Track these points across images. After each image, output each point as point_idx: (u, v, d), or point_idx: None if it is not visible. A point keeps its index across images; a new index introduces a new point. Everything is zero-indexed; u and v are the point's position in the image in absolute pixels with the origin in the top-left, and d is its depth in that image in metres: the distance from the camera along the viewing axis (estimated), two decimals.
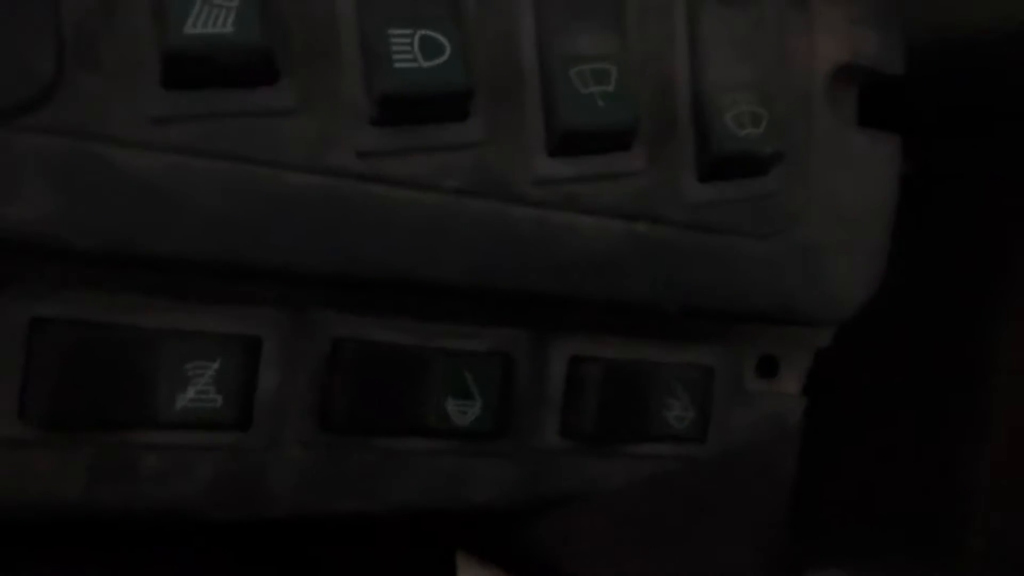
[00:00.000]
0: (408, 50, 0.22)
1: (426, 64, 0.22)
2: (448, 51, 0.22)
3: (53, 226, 0.20)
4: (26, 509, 0.22)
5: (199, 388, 0.23)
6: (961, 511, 0.32)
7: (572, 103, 0.23)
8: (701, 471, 0.29)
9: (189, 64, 0.20)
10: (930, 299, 0.34)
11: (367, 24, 0.22)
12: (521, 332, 0.26)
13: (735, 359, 0.30)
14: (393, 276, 0.23)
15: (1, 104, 0.19)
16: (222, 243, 0.21)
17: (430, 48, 0.22)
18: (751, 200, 0.26)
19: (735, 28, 0.26)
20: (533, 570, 0.30)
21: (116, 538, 0.25)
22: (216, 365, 0.23)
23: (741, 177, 0.26)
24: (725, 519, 0.30)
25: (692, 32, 0.25)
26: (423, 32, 0.22)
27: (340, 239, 0.22)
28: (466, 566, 0.31)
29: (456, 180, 0.23)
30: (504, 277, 0.24)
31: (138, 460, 0.22)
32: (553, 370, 0.27)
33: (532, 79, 0.23)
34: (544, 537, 0.28)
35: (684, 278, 0.26)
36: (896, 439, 0.34)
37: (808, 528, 0.33)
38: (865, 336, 0.33)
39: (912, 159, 0.30)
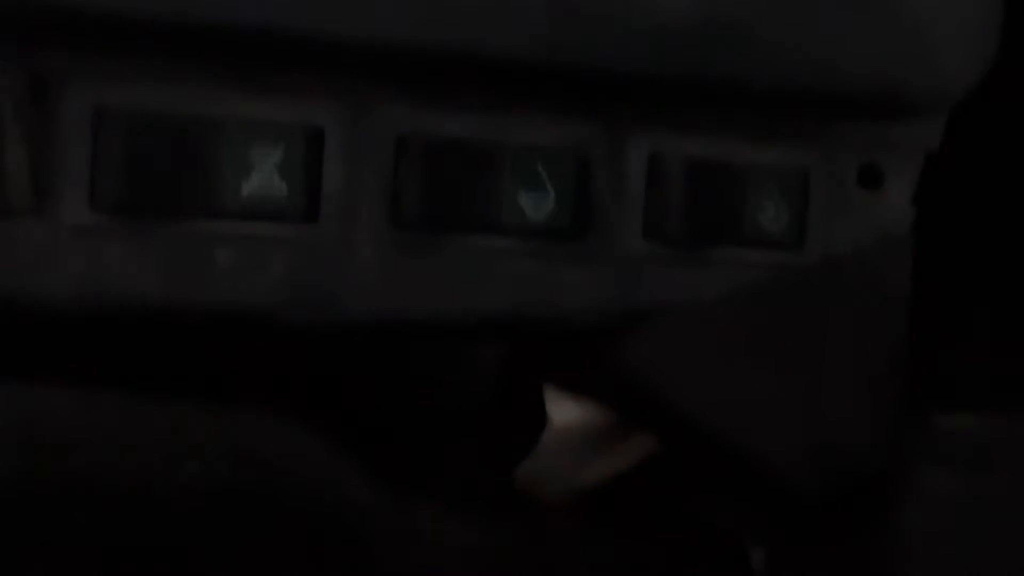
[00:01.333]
0: None
1: None
2: None
3: None
4: (103, 301, 0.22)
5: (263, 175, 0.22)
6: None
7: None
8: (804, 280, 0.27)
9: None
10: None
11: None
12: (595, 126, 0.25)
13: (833, 162, 0.28)
14: (458, 51, 0.22)
15: None
16: (279, 12, 0.21)
17: None
18: None
19: None
20: (624, 397, 0.29)
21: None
22: (279, 152, 0.22)
23: None
24: (835, 335, 0.28)
25: None
26: None
27: (395, 9, 0.21)
28: (555, 400, 0.30)
29: None
30: (568, 53, 0.23)
31: (210, 252, 0.22)
32: (632, 167, 0.25)
33: None
34: (634, 358, 0.27)
35: (765, 54, 0.24)
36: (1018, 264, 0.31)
37: (931, 360, 0.30)
38: (979, 140, 0.30)
39: None
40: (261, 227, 0.23)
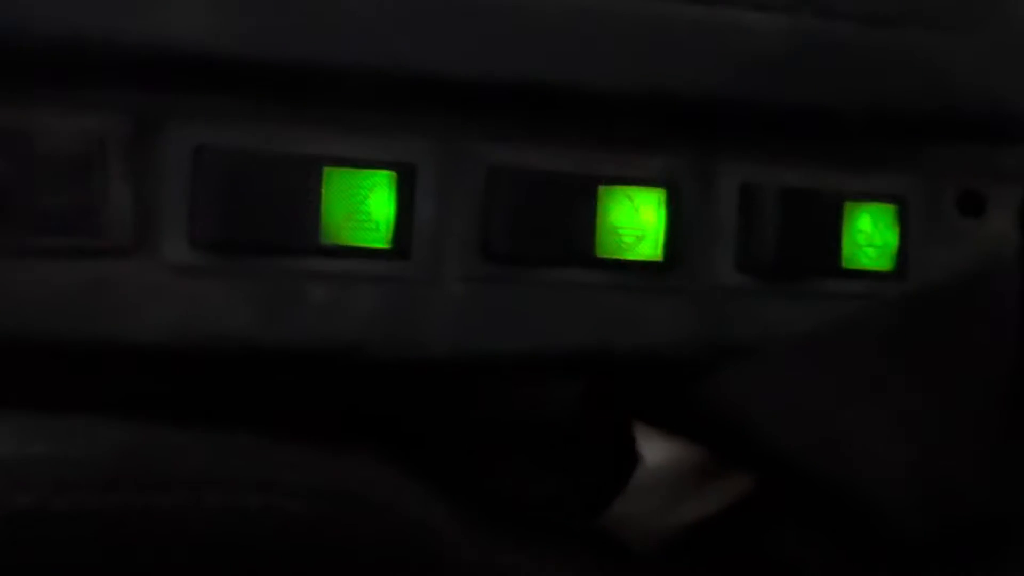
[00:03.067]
0: None
1: None
2: None
3: (212, 37, 0.20)
4: (197, 340, 0.22)
5: (356, 212, 0.22)
6: None
7: None
8: (905, 309, 0.26)
9: None
10: None
11: None
12: (686, 157, 0.25)
13: (933, 190, 0.27)
14: (542, 82, 0.22)
15: None
16: (370, 50, 0.21)
17: None
18: None
19: None
20: (718, 434, 0.28)
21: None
22: (372, 189, 0.22)
23: None
24: (938, 368, 0.27)
25: None
26: None
27: (487, 42, 0.21)
28: (646, 438, 0.29)
29: None
30: (660, 81, 0.23)
31: (303, 288, 0.23)
32: (723, 198, 0.25)
33: None
34: (729, 393, 0.26)
35: (863, 78, 0.24)
36: None
37: None
38: None
39: None
40: (354, 263, 0.23)
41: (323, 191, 0.22)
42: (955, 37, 0.24)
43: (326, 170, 0.22)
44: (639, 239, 0.24)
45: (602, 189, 0.24)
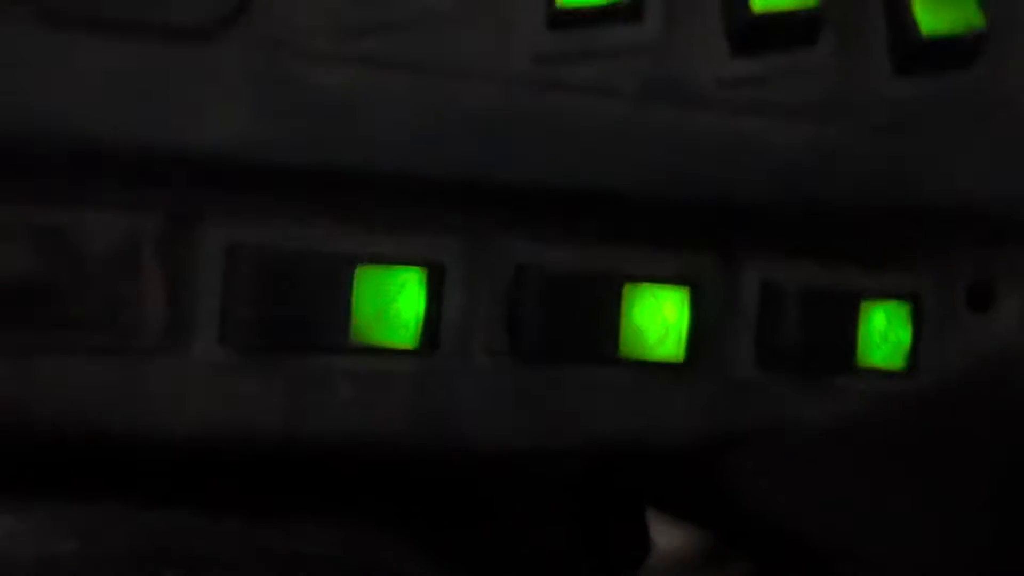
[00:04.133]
0: None
1: None
2: None
3: (252, 143, 0.20)
4: (227, 437, 0.22)
5: (386, 309, 0.23)
6: None
7: None
8: (918, 408, 0.27)
9: None
10: None
11: None
12: (708, 255, 0.25)
13: (944, 287, 0.27)
14: (572, 188, 0.22)
15: (200, 21, 0.19)
16: (407, 156, 0.21)
17: None
18: (957, 93, 0.24)
19: None
20: (730, 519, 0.28)
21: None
22: (402, 286, 0.23)
23: (942, 68, 0.24)
24: (951, 465, 0.27)
25: None
26: None
27: (520, 149, 0.22)
28: (659, 524, 0.29)
29: (635, 84, 0.22)
30: (688, 188, 0.23)
31: (334, 385, 0.23)
32: (745, 296, 0.25)
33: None
34: (741, 481, 0.27)
35: (885, 183, 0.24)
36: None
37: None
38: None
39: None
40: (382, 360, 0.23)
41: (354, 289, 0.22)
42: (967, 137, 0.24)
43: (357, 269, 0.22)
44: (662, 338, 0.24)
45: (627, 287, 0.24)
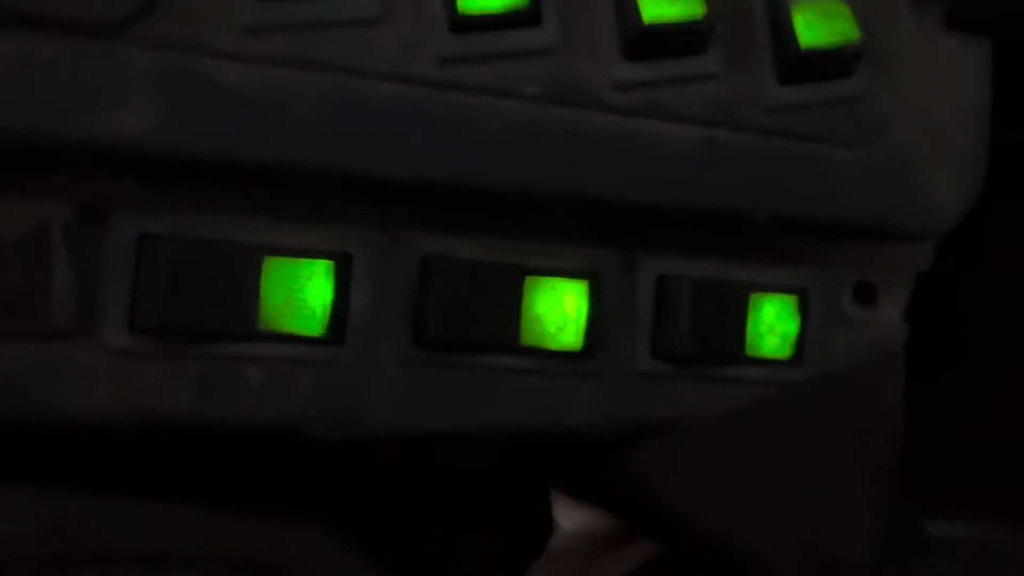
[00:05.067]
0: None
1: None
2: None
3: (156, 135, 0.21)
4: (137, 420, 0.23)
5: (293, 299, 0.23)
6: None
7: (644, 4, 0.23)
8: (803, 395, 0.28)
9: None
10: None
11: None
12: (608, 251, 0.26)
13: (830, 282, 0.29)
14: (475, 185, 0.23)
15: (108, 17, 0.20)
16: (312, 151, 0.22)
17: None
18: (835, 104, 0.26)
19: None
20: (631, 505, 0.30)
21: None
22: (309, 277, 0.23)
23: (822, 79, 0.25)
24: (832, 447, 0.29)
25: None
26: None
27: (424, 147, 0.23)
28: (562, 506, 0.30)
29: (535, 86, 0.23)
30: (586, 185, 0.24)
31: (241, 373, 0.23)
32: (641, 289, 0.27)
33: None
34: (641, 470, 0.28)
35: (769, 186, 0.26)
36: (1013, 376, 0.33)
37: (927, 475, 0.31)
38: (969, 262, 0.31)
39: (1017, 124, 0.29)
40: (290, 349, 0.24)
41: (262, 279, 0.23)
42: (843, 151, 0.26)
43: (266, 259, 0.23)
44: (561, 328, 0.26)
45: (528, 280, 0.25)
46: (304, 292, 0.24)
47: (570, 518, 0.30)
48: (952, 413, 0.32)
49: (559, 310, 0.26)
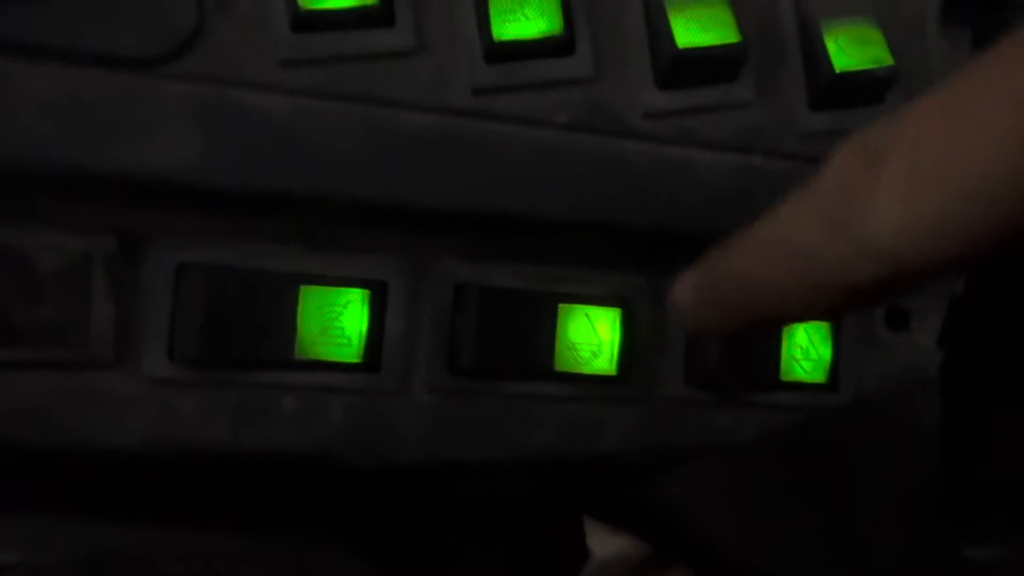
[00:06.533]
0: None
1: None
2: None
3: (194, 168, 0.21)
4: (173, 449, 0.23)
5: (330, 327, 0.24)
6: None
7: (678, 31, 0.23)
8: (836, 421, 0.28)
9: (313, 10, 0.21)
10: None
11: None
12: (639, 278, 0.26)
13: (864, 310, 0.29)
14: (508, 212, 0.23)
15: (148, 54, 0.20)
16: (347, 181, 0.22)
17: None
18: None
19: None
20: (663, 531, 0.30)
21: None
22: (345, 305, 0.24)
23: (855, 105, 0.25)
24: (866, 472, 0.29)
25: None
26: None
27: (457, 176, 0.23)
28: (595, 533, 0.30)
29: (566, 115, 0.23)
30: (617, 213, 0.24)
31: (278, 401, 0.23)
32: (672, 317, 0.27)
33: (634, 9, 0.24)
34: (674, 495, 0.28)
35: None
36: None
37: (962, 499, 0.31)
38: (1000, 285, 0.31)
39: None
40: (326, 376, 0.24)
41: (299, 307, 0.23)
42: None
43: (302, 288, 0.23)
44: (595, 355, 0.26)
45: (562, 307, 0.25)
46: (340, 320, 0.24)
47: (603, 545, 0.30)
48: (986, 436, 0.32)
49: (593, 336, 0.26)
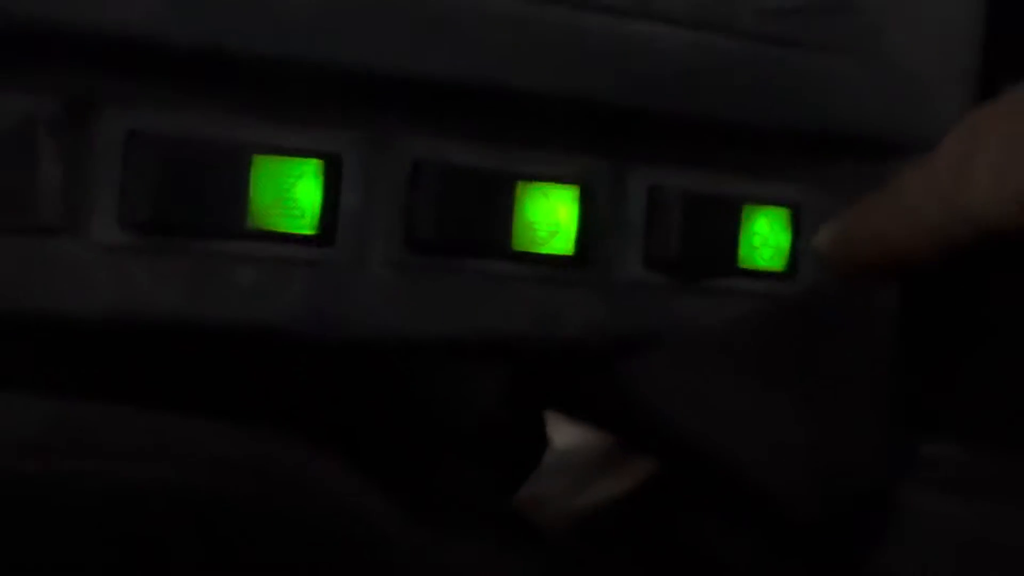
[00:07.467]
0: None
1: None
2: None
3: (152, 25, 0.21)
4: (128, 316, 0.23)
5: (284, 199, 0.23)
6: None
7: None
8: (794, 307, 0.28)
9: None
10: None
11: None
12: (599, 160, 0.26)
13: (823, 197, 0.29)
14: (464, 81, 0.23)
15: None
16: (301, 44, 0.22)
17: None
18: (827, 8, 0.25)
19: None
20: (624, 421, 0.30)
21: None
22: (299, 177, 0.23)
23: None
24: (824, 359, 0.29)
25: None
26: None
27: (413, 41, 0.23)
28: (557, 424, 0.30)
29: None
30: (573, 86, 0.24)
31: (231, 271, 0.23)
32: (632, 199, 0.27)
33: None
34: (634, 382, 0.28)
35: (759, 92, 0.26)
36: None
37: (918, 387, 0.31)
38: None
39: None
40: (280, 248, 0.24)
41: (251, 178, 0.23)
42: (842, 62, 0.26)
43: (255, 157, 0.23)
44: (553, 234, 0.26)
45: (520, 185, 0.25)
46: (293, 191, 0.24)
47: (564, 436, 0.30)
48: (944, 330, 0.32)
49: (551, 216, 0.26)
